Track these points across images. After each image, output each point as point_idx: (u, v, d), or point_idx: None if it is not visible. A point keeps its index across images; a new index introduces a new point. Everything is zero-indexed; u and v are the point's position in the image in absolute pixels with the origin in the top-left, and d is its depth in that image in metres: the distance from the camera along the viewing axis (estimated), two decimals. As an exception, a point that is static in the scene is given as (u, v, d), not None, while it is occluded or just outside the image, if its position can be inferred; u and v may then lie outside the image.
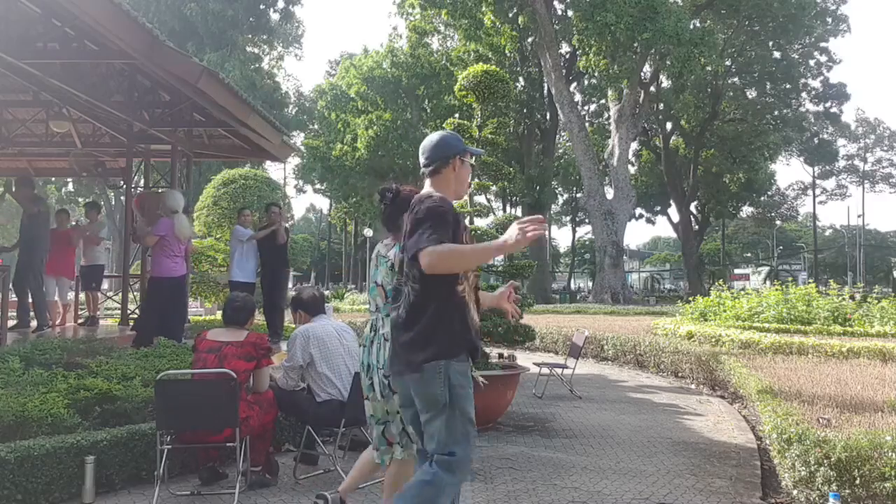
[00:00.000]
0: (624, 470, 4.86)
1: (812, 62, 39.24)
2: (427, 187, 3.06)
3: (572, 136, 28.21)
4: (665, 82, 34.50)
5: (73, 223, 10.57)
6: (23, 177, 9.74)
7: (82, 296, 11.01)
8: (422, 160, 3.12)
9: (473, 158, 3.27)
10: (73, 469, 3.94)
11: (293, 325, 6.37)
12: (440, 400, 2.76)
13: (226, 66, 32.40)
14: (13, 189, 9.67)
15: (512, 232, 2.62)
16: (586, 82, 35.76)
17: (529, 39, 33.55)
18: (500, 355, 7.76)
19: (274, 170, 62.43)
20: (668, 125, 39.79)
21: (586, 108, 41.06)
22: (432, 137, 3.15)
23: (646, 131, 39.53)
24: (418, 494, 2.69)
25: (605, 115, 39.23)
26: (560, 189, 46.25)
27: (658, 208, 46.51)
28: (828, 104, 41.80)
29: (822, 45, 38.39)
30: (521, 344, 7.61)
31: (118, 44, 6.55)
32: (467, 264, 2.75)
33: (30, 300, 8.58)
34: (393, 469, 3.43)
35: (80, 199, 33.92)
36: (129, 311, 10.75)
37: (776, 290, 12.66)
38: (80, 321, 9.99)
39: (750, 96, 39.48)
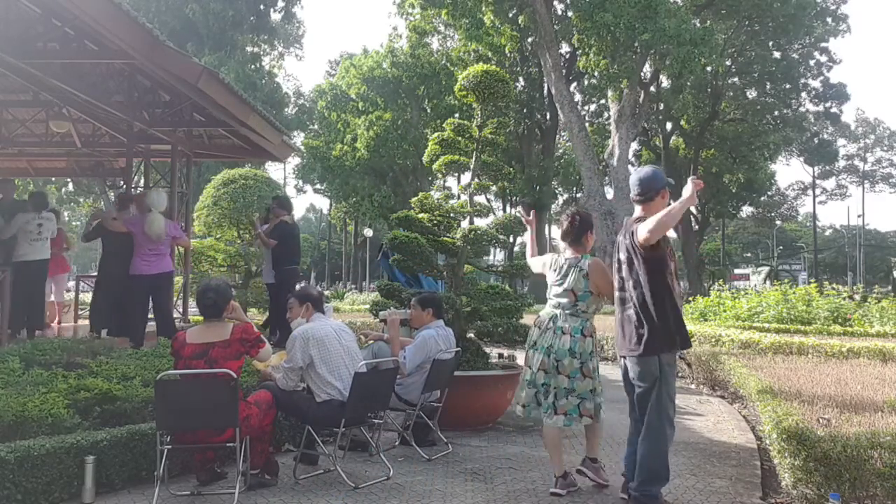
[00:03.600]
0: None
1: (812, 62, 39.12)
2: (639, 212, 3.93)
3: (572, 136, 28.15)
4: (665, 82, 34.46)
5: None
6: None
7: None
8: (635, 190, 3.94)
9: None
10: (73, 469, 3.94)
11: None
12: (655, 375, 3.80)
13: (223, 69, 32.34)
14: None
15: (688, 188, 3.62)
16: (586, 82, 35.61)
17: (529, 39, 33.49)
18: (500, 355, 7.75)
19: (274, 170, 62.31)
20: (668, 125, 39.71)
21: (586, 108, 40.96)
22: (645, 172, 3.98)
23: (646, 131, 39.46)
24: (655, 438, 3.79)
25: (605, 115, 39.14)
26: (560, 189, 46.18)
27: (658, 208, 46.45)
28: (828, 104, 41.67)
29: (822, 45, 38.26)
30: (521, 344, 7.55)
31: (118, 44, 6.55)
32: (672, 222, 3.66)
33: None
34: (589, 432, 4.56)
35: (80, 199, 33.83)
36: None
37: (776, 290, 12.65)
38: None
39: (750, 96, 39.37)
